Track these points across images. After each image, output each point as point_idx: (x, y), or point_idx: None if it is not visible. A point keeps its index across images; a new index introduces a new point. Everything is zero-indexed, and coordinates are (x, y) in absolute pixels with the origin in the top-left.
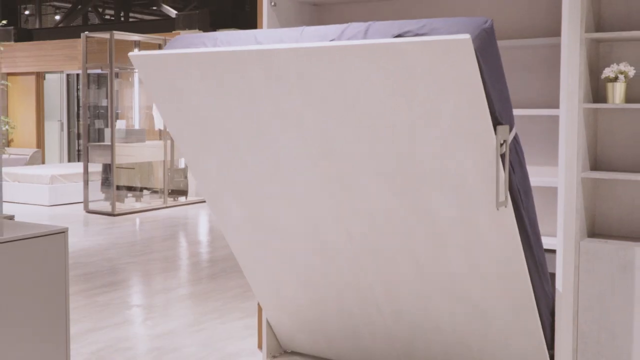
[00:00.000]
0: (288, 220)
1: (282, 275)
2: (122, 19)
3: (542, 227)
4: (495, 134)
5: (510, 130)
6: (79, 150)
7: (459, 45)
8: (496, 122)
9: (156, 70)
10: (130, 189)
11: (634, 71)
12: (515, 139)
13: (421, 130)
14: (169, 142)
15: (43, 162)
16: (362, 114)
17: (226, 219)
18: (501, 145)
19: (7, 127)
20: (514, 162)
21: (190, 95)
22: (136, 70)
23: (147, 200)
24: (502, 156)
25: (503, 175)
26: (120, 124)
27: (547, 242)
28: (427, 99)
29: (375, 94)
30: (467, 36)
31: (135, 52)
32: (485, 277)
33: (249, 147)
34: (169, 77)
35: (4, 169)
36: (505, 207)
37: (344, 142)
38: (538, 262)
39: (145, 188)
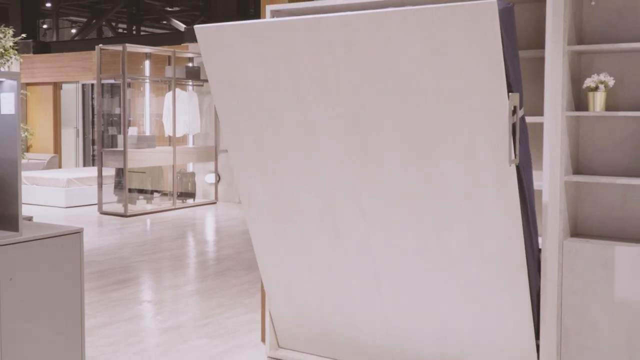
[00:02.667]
0: (307, 199)
1: (294, 260)
2: (134, 32)
3: None
4: (508, 99)
5: (520, 105)
6: (93, 156)
7: (486, 8)
8: (509, 89)
9: (216, 44)
10: (141, 191)
11: (613, 81)
12: (523, 118)
13: (444, 93)
14: (177, 147)
15: (60, 167)
16: (396, 78)
17: (251, 201)
18: (513, 113)
19: (26, 133)
20: (521, 137)
21: (243, 67)
22: (147, 81)
23: (157, 202)
24: (514, 125)
25: (511, 139)
26: (132, 131)
27: None
28: (453, 59)
29: (409, 57)
30: (494, 1)
31: (200, 25)
32: (484, 256)
33: (287, 116)
34: (226, 50)
35: (24, 173)
36: (517, 164)
37: (375, 107)
38: (534, 250)
39: (156, 191)
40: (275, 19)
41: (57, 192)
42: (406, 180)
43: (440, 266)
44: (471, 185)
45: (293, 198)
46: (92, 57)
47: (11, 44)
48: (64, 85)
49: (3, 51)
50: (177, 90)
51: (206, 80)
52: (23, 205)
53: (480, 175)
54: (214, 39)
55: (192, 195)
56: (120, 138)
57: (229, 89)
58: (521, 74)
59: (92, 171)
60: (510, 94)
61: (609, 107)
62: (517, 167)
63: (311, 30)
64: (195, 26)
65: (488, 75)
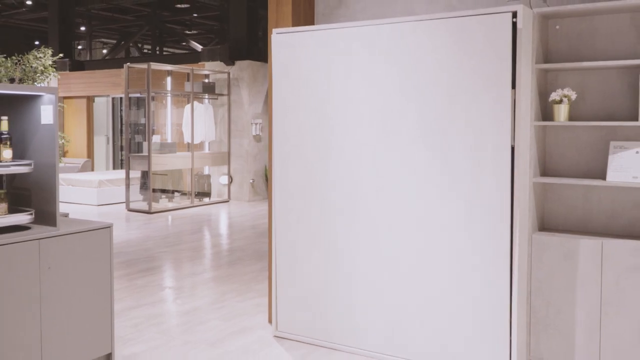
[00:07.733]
0: (335, 184)
1: (308, 245)
2: (158, 52)
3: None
4: (511, 93)
5: None
6: (121, 160)
7: (503, 18)
8: (512, 86)
9: (287, 46)
10: (163, 191)
11: (576, 95)
12: None
13: (460, 86)
14: (195, 152)
15: (92, 170)
16: (423, 75)
17: (282, 183)
18: (514, 106)
19: (63, 141)
20: None
21: (304, 65)
22: (168, 94)
23: (177, 200)
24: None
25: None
26: (155, 138)
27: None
28: (471, 59)
29: (436, 57)
30: (510, 14)
31: (276, 29)
32: (475, 233)
33: (332, 110)
34: (292, 50)
35: (61, 175)
36: (514, 147)
37: (402, 99)
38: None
39: (176, 190)
40: (336, 24)
41: (90, 192)
42: (419, 162)
43: (437, 241)
44: (473, 164)
45: (322, 181)
46: (120, 74)
47: (50, 62)
48: (96, 99)
49: (43, 69)
50: (195, 102)
51: (221, 94)
52: (60, 204)
53: (483, 156)
54: (284, 41)
55: (207, 194)
56: (145, 144)
57: (288, 82)
58: None
59: (121, 173)
60: (513, 90)
61: (571, 117)
62: (512, 152)
63: (366, 35)
64: (274, 29)
65: (497, 72)
